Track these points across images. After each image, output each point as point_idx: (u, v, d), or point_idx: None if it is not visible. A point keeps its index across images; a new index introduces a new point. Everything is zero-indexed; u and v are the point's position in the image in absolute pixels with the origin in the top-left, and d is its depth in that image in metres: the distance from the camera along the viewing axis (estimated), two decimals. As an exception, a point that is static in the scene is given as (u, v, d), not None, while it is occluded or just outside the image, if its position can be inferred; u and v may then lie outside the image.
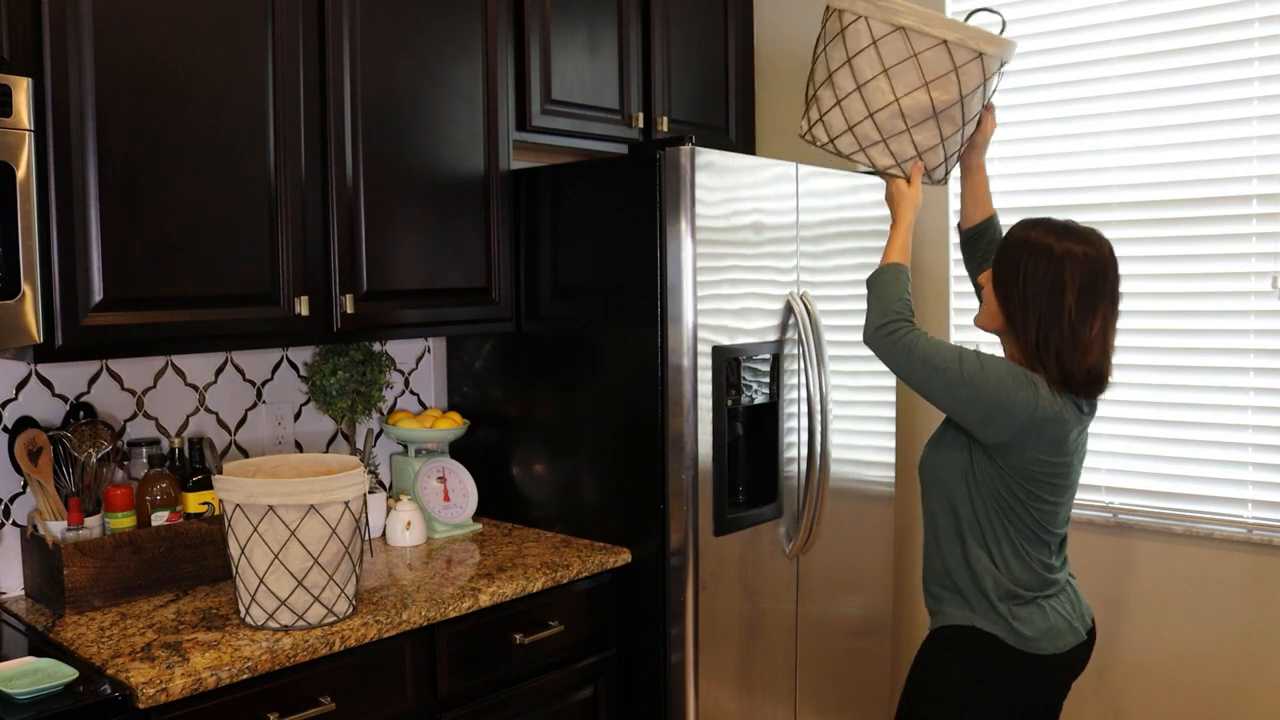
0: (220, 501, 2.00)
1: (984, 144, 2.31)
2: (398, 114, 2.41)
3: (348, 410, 2.64)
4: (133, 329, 2.01)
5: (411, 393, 2.93)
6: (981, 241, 2.35)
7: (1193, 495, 2.74)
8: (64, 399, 2.28)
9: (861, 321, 2.90)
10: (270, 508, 1.92)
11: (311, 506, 1.94)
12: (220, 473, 2.01)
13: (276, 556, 1.94)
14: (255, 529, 1.94)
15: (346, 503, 1.99)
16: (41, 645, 1.92)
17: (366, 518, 2.08)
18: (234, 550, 1.99)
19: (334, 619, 2.00)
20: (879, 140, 2.16)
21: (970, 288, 3.09)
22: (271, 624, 1.97)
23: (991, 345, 2.27)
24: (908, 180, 2.22)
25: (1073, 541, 2.93)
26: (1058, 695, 2.06)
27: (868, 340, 2.08)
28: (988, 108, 2.22)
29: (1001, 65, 2.15)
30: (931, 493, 2.08)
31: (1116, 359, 2.80)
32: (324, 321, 2.32)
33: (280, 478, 2.03)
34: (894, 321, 2.04)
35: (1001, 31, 2.28)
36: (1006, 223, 3.01)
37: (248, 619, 2.00)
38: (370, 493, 2.63)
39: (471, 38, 2.56)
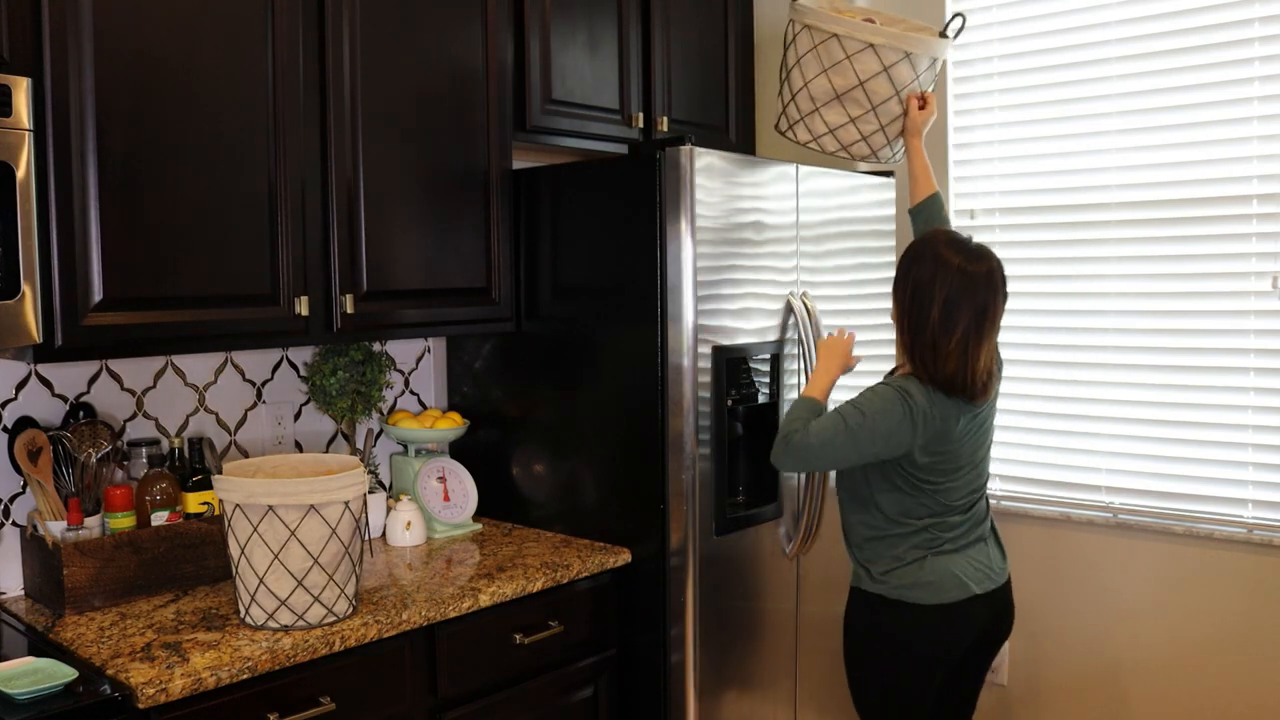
0: (220, 501, 2.00)
1: (916, 130, 2.55)
2: (398, 114, 2.41)
3: (348, 410, 2.64)
4: (133, 329, 2.01)
5: (411, 393, 2.93)
6: (921, 219, 2.54)
7: (1193, 495, 2.74)
8: (64, 399, 2.28)
9: (860, 321, 2.90)
10: (270, 508, 1.92)
11: (311, 506, 1.94)
12: (220, 473, 2.01)
13: (276, 556, 1.94)
14: (255, 529, 1.94)
15: (346, 503, 1.99)
16: (41, 645, 1.92)
17: (366, 518, 2.08)
18: (234, 550, 1.99)
19: (334, 619, 2.00)
20: (827, 132, 2.60)
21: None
22: (271, 624, 1.97)
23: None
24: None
25: (1073, 541, 2.94)
26: (957, 646, 2.22)
27: (775, 462, 2.25)
28: (914, 97, 2.52)
29: (934, 61, 2.50)
30: (840, 482, 2.34)
31: (1117, 358, 2.84)
32: (324, 321, 2.32)
33: (280, 478, 2.03)
34: (783, 438, 2.21)
35: (956, 34, 2.63)
36: (1007, 222, 3.02)
37: (248, 619, 2.00)
38: (370, 493, 2.63)
39: (471, 37, 2.55)
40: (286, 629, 1.97)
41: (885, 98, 2.45)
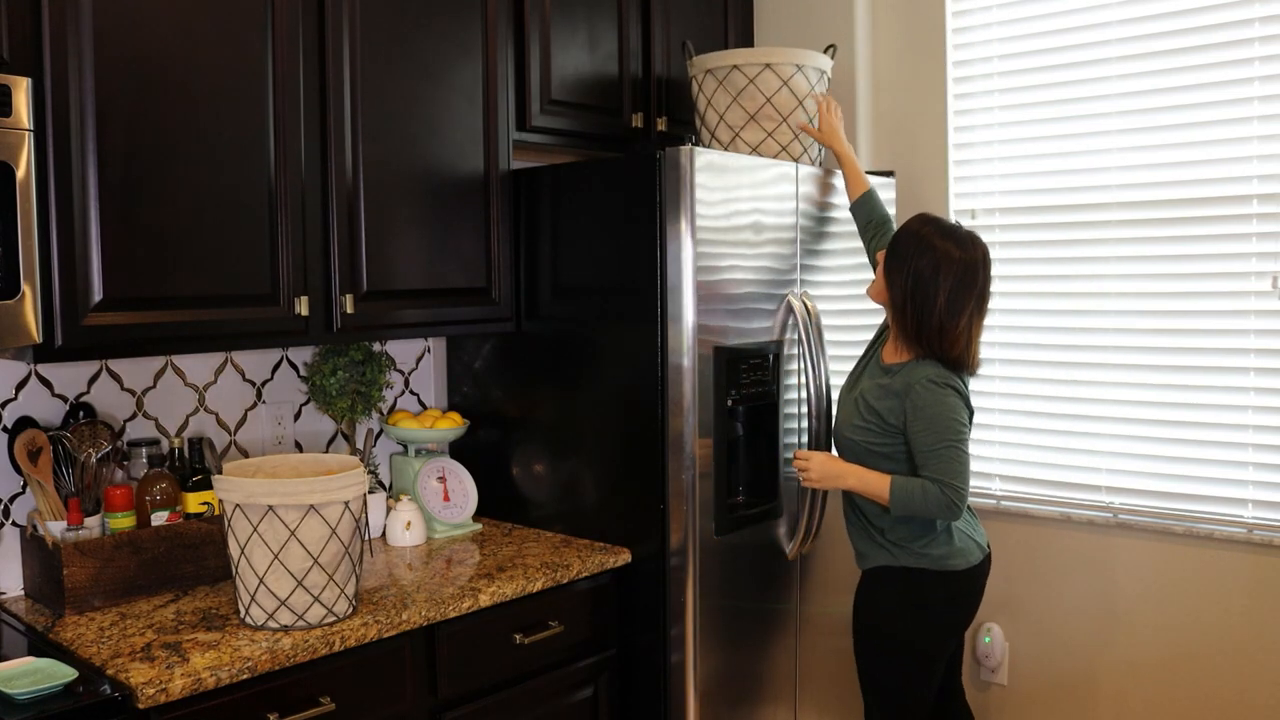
0: (220, 501, 2.00)
1: (833, 133, 2.75)
2: (398, 114, 2.41)
3: (348, 410, 2.64)
4: (133, 329, 2.01)
5: (411, 393, 2.93)
6: (861, 214, 2.69)
7: (1193, 495, 2.74)
8: (64, 399, 2.28)
9: (860, 321, 2.90)
10: (270, 508, 1.92)
11: (311, 506, 1.94)
12: (220, 473, 2.01)
13: (276, 556, 1.94)
14: (255, 529, 1.94)
15: (346, 503, 1.99)
16: (41, 645, 1.92)
17: (366, 518, 2.08)
18: (234, 550, 1.99)
19: (334, 619, 2.00)
20: (751, 151, 2.81)
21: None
22: (271, 624, 1.97)
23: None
24: None
25: (1073, 541, 2.94)
26: (976, 607, 2.45)
27: (952, 517, 2.30)
28: (819, 104, 2.78)
29: (822, 74, 2.83)
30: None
31: (1117, 358, 2.84)
32: (324, 321, 2.32)
33: (280, 478, 2.03)
34: (951, 502, 2.25)
35: (833, 54, 2.96)
36: (1007, 222, 3.02)
37: (248, 619, 2.00)
38: (370, 493, 2.63)
39: (471, 37, 2.56)
40: (286, 629, 1.97)
41: (791, 108, 2.75)
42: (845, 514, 2.52)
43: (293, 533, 1.93)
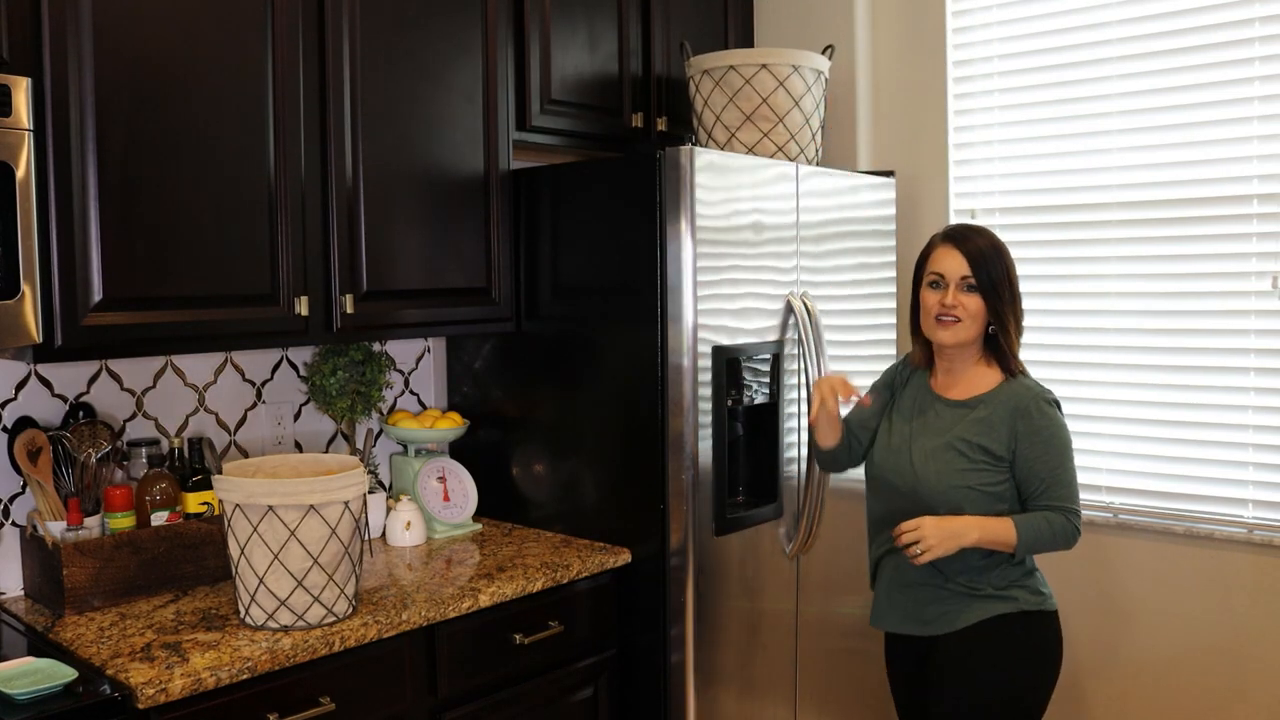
0: (220, 501, 2.00)
1: (833, 419, 2.34)
2: (397, 114, 2.41)
3: (348, 410, 2.63)
4: (132, 329, 2.01)
5: (411, 393, 2.93)
6: (833, 452, 2.40)
7: (1193, 495, 2.74)
8: (63, 399, 2.28)
9: (860, 322, 2.91)
10: (270, 508, 1.92)
11: (311, 507, 1.94)
12: (220, 473, 2.01)
13: (276, 557, 1.94)
14: (255, 529, 1.94)
15: (346, 503, 1.99)
16: (41, 645, 1.92)
17: (366, 518, 2.08)
18: (234, 550, 1.99)
19: (334, 619, 2.00)
20: (746, 152, 2.77)
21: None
22: (271, 624, 1.97)
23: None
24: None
25: (1073, 541, 2.93)
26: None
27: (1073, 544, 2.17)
28: (827, 390, 2.33)
29: (819, 75, 2.80)
30: (977, 512, 2.13)
31: (1116, 358, 2.85)
32: (324, 321, 2.32)
33: (280, 478, 2.03)
34: (1074, 529, 2.13)
35: (831, 55, 2.93)
36: (1007, 222, 3.02)
37: (247, 619, 2.00)
38: (370, 493, 2.62)
39: (471, 37, 2.55)
40: (286, 629, 1.97)
41: (787, 109, 2.74)
42: (894, 584, 2.24)
43: (292, 533, 1.93)
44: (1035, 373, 2.95)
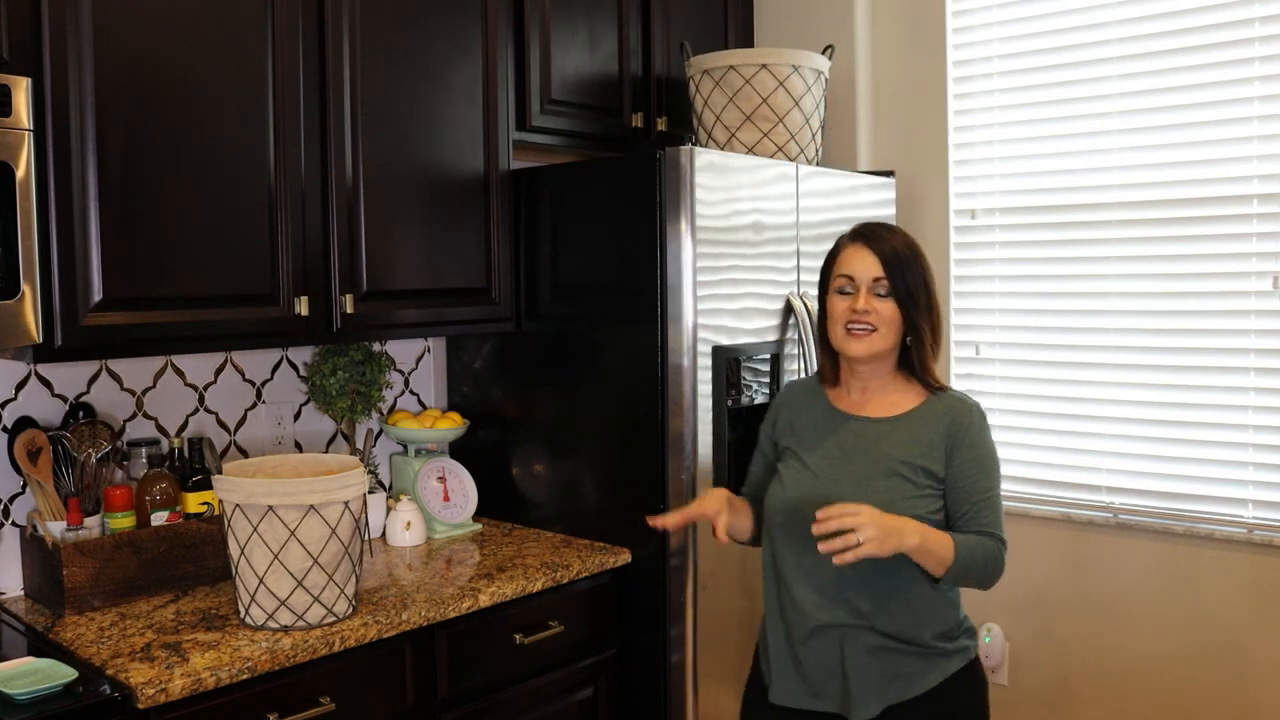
0: (220, 501, 2.00)
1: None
2: (397, 114, 2.41)
3: (348, 410, 2.63)
4: (132, 329, 2.01)
5: (411, 393, 2.93)
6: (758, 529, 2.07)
7: (1193, 495, 2.74)
8: (63, 399, 2.28)
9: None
10: (270, 508, 1.92)
11: (311, 507, 1.94)
12: (220, 473, 2.01)
13: (276, 557, 1.94)
14: (255, 529, 1.94)
15: (346, 503, 1.99)
16: (41, 645, 1.92)
17: (366, 518, 2.08)
18: (234, 550, 1.99)
19: (334, 619, 2.00)
20: (747, 152, 2.77)
21: (968, 288, 3.09)
22: (271, 624, 1.97)
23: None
24: None
25: (1073, 541, 2.94)
26: None
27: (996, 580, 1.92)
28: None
29: (819, 75, 2.80)
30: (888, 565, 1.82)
31: (1117, 358, 2.84)
32: (324, 321, 2.32)
33: (280, 478, 2.03)
34: (1000, 562, 1.90)
35: (831, 55, 2.93)
36: (1007, 222, 3.02)
37: (247, 619, 2.00)
38: (370, 493, 2.62)
39: (471, 37, 2.55)
40: (286, 629, 1.97)
41: (787, 109, 2.74)
42: (852, 651, 1.85)
43: (292, 533, 1.93)
44: (1035, 372, 2.99)
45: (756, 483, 2.08)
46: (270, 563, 1.94)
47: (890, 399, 1.93)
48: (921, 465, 1.85)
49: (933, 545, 1.76)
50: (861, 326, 1.87)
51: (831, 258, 1.95)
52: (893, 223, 3.01)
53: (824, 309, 1.95)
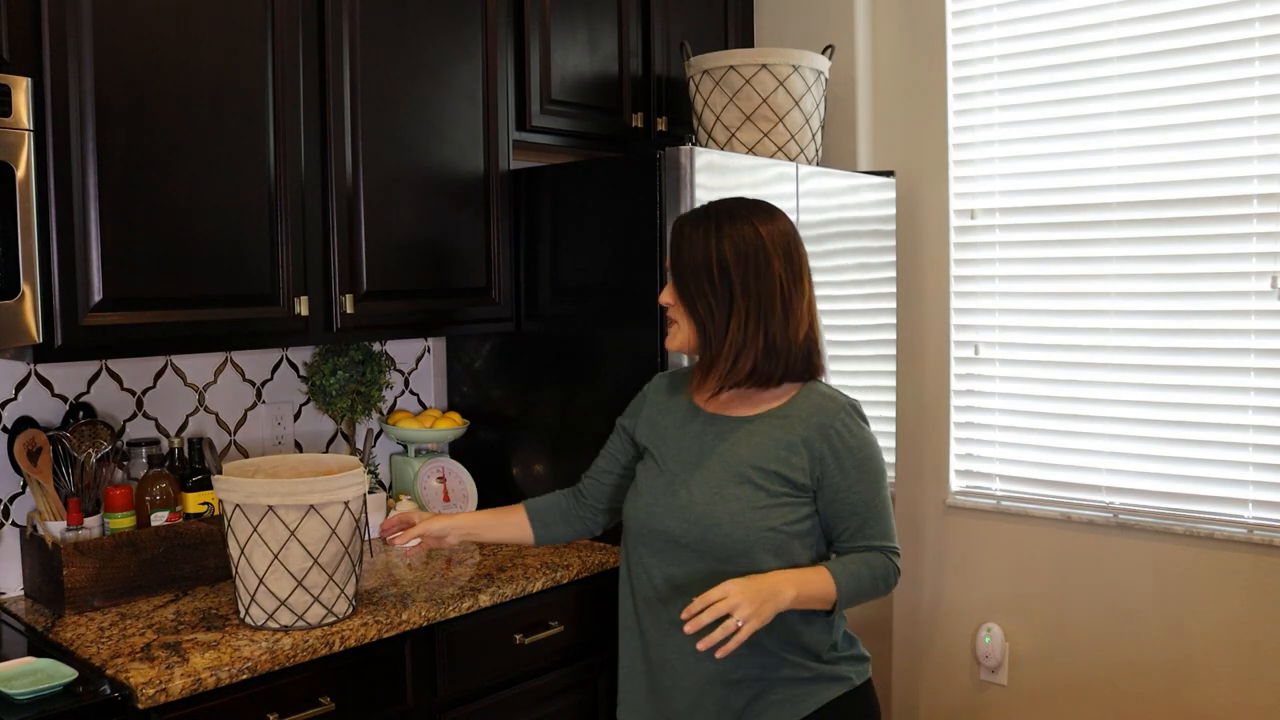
0: (220, 501, 2.00)
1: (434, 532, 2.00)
2: (398, 113, 2.41)
3: (348, 410, 2.64)
4: (132, 329, 2.01)
5: (411, 393, 2.93)
6: (540, 514, 2.04)
7: (1193, 495, 2.74)
8: (63, 399, 2.28)
9: (860, 322, 2.91)
10: (270, 508, 1.92)
11: (311, 507, 1.94)
12: (220, 473, 2.01)
13: (276, 557, 1.94)
14: (255, 529, 1.94)
15: (346, 503, 1.99)
16: (41, 645, 1.92)
17: (366, 518, 2.08)
18: (234, 550, 1.99)
19: (334, 619, 2.00)
20: (747, 151, 2.77)
21: (968, 288, 3.09)
22: (271, 624, 1.97)
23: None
24: None
25: (1073, 541, 2.94)
26: None
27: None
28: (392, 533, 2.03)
29: (819, 75, 2.81)
30: (766, 562, 1.68)
31: (1117, 358, 2.84)
32: (324, 321, 2.32)
33: (280, 478, 2.03)
34: (894, 570, 1.76)
35: (831, 54, 2.94)
36: (1007, 222, 3.02)
37: (247, 619, 2.00)
38: (370, 493, 2.63)
39: (471, 37, 2.55)
40: (286, 629, 1.97)
41: (787, 109, 2.74)
42: (705, 683, 1.72)
43: (292, 533, 1.93)
44: (1035, 372, 2.99)
45: (596, 476, 2.01)
46: (270, 563, 1.94)
47: (756, 395, 1.77)
48: (776, 471, 1.69)
49: (811, 590, 1.63)
50: (670, 318, 1.79)
51: None
52: (893, 225, 3.01)
53: None
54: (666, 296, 1.78)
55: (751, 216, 1.74)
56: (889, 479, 1.78)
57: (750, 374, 1.72)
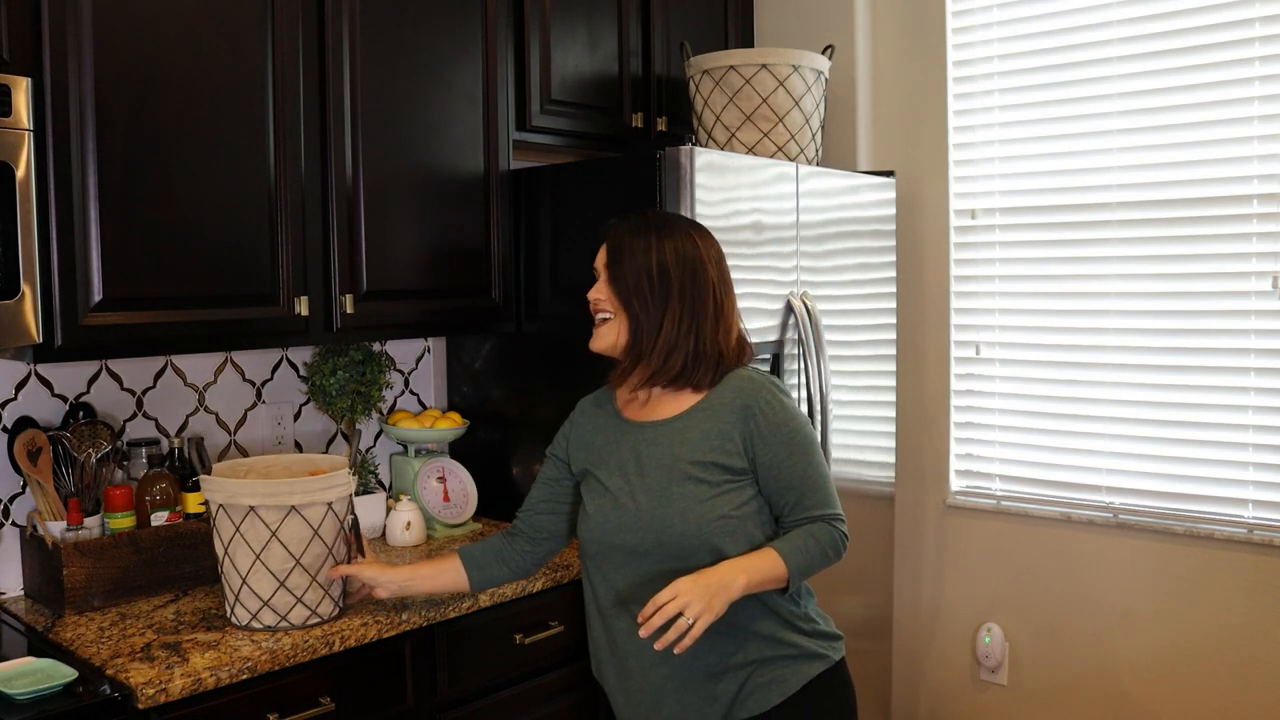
0: (206, 501, 2.00)
1: (383, 584, 2.00)
2: (398, 113, 2.41)
3: (347, 410, 2.63)
4: (132, 329, 2.01)
5: (411, 393, 2.93)
6: (476, 559, 2.04)
7: (1193, 495, 2.74)
8: (63, 399, 2.28)
9: (860, 322, 2.91)
10: (251, 508, 1.92)
11: (292, 508, 1.93)
12: (209, 473, 2.01)
13: (258, 557, 1.93)
14: (237, 529, 1.93)
15: (330, 504, 1.98)
16: (41, 645, 1.92)
17: (355, 519, 2.06)
18: (219, 549, 1.98)
19: (318, 620, 2.00)
20: (746, 152, 2.77)
21: (968, 288, 3.09)
22: (255, 624, 1.96)
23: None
24: None
25: (1073, 541, 2.94)
26: None
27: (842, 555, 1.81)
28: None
29: (819, 75, 2.81)
30: (725, 550, 1.72)
31: (1117, 358, 2.84)
32: (324, 321, 2.32)
33: (273, 478, 2.02)
34: (841, 538, 1.78)
35: (831, 54, 2.93)
36: (1007, 222, 3.01)
37: (232, 618, 1.99)
38: (370, 493, 2.63)
39: (471, 37, 2.55)
40: (270, 629, 1.96)
41: (787, 109, 2.74)
42: (678, 680, 1.76)
43: (274, 533, 1.92)
44: (1035, 372, 2.98)
45: (532, 507, 2.02)
46: (252, 563, 1.94)
47: (677, 397, 1.82)
48: (713, 461, 1.74)
49: (762, 574, 1.67)
50: (601, 315, 1.85)
51: None
52: (893, 225, 3.02)
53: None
54: (600, 293, 1.83)
55: (690, 230, 1.85)
56: (819, 446, 1.81)
57: (680, 373, 1.79)
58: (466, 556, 2.04)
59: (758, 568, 1.67)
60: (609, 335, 1.83)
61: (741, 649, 1.75)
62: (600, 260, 1.85)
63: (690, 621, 1.58)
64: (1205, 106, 2.67)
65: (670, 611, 1.58)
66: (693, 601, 1.59)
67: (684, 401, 1.82)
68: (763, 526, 1.77)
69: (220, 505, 1.95)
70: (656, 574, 1.74)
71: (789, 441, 1.76)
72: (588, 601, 1.92)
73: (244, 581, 1.95)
